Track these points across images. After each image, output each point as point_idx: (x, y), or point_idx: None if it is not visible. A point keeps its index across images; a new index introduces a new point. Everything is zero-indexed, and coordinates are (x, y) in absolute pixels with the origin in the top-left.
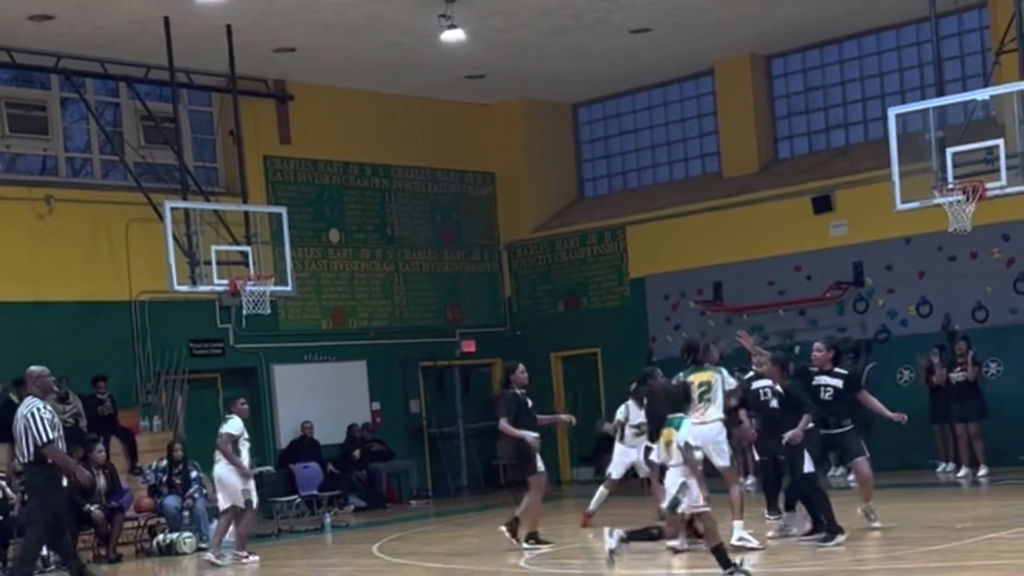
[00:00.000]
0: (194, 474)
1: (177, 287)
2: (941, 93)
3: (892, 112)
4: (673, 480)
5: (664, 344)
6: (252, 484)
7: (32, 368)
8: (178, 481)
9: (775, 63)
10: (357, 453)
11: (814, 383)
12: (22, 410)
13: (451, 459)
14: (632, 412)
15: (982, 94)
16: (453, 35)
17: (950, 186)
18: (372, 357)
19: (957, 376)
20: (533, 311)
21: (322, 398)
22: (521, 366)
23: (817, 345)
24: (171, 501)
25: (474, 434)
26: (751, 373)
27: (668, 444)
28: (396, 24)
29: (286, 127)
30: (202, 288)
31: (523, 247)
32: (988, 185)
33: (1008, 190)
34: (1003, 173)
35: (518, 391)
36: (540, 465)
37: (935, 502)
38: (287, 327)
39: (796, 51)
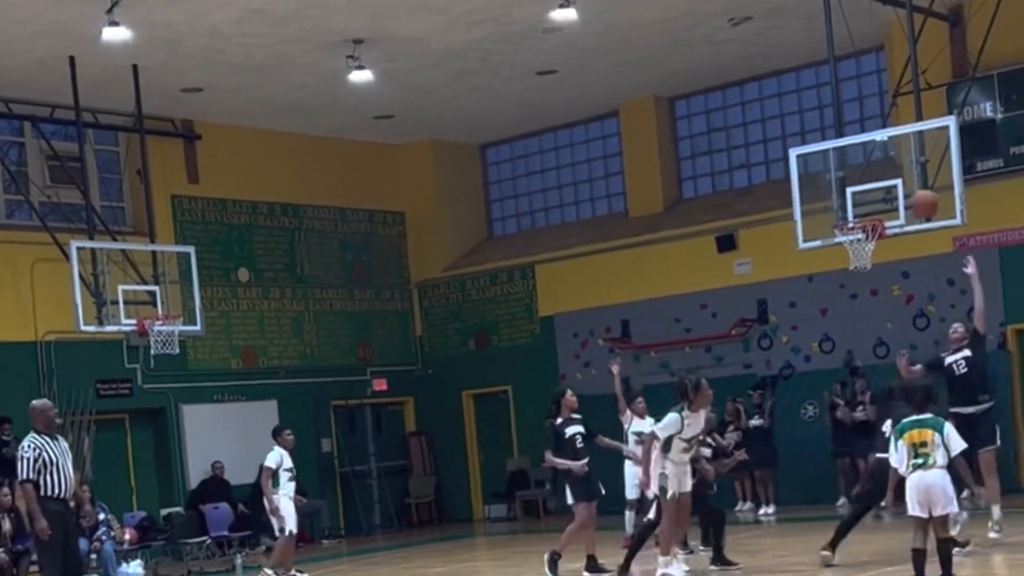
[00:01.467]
0: (101, 516)
1: (83, 327)
2: (841, 134)
3: (793, 153)
4: None
5: (574, 381)
6: (293, 513)
7: (33, 403)
8: (85, 524)
9: (678, 105)
10: None
11: None
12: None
13: (363, 498)
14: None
15: (880, 135)
16: (361, 76)
17: (850, 225)
18: (283, 396)
19: (859, 414)
20: (444, 349)
21: (232, 438)
22: (569, 391)
23: None
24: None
25: (386, 472)
26: None
27: None
28: (304, 65)
29: (194, 166)
30: (109, 328)
31: (433, 286)
32: (887, 224)
33: (906, 228)
34: (901, 212)
35: (560, 419)
36: (584, 494)
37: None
38: (196, 367)
39: (698, 93)
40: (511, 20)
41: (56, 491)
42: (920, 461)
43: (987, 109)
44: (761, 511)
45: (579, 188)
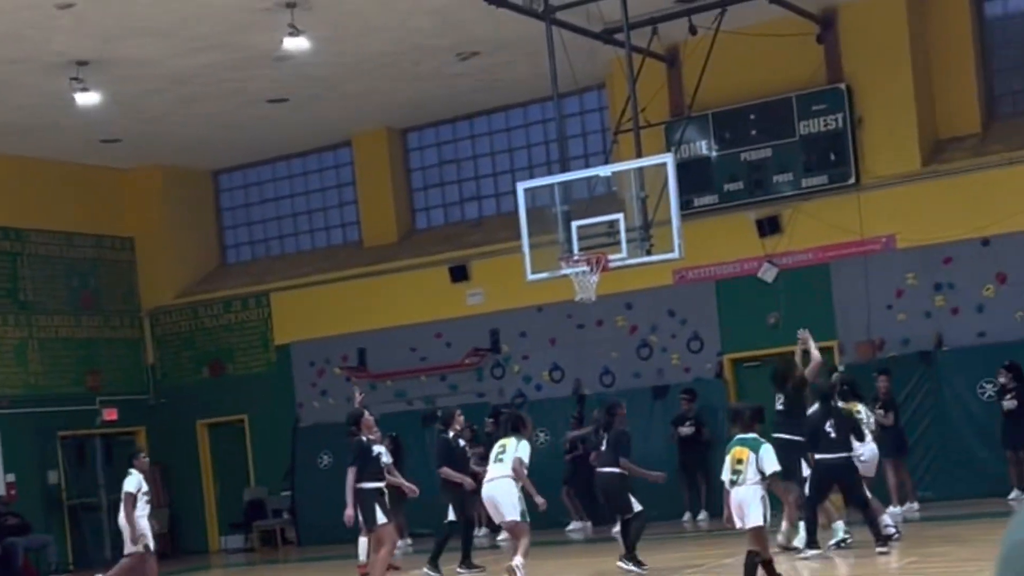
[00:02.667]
0: None
1: None
2: (565, 169)
3: (521, 186)
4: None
5: (311, 410)
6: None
7: None
8: None
9: (411, 136)
10: None
11: None
12: None
13: (94, 531)
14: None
15: (603, 171)
16: (87, 98)
17: (575, 258)
18: (5, 426)
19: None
20: (177, 378)
21: None
22: (367, 411)
23: None
24: None
25: (117, 505)
26: None
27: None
28: (28, 86)
29: None
30: None
31: (166, 313)
32: (610, 257)
33: (628, 261)
34: (624, 245)
35: (366, 438)
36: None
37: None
38: None
39: (430, 125)
40: (241, 47)
41: None
42: (735, 477)
43: (702, 147)
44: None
45: (314, 217)
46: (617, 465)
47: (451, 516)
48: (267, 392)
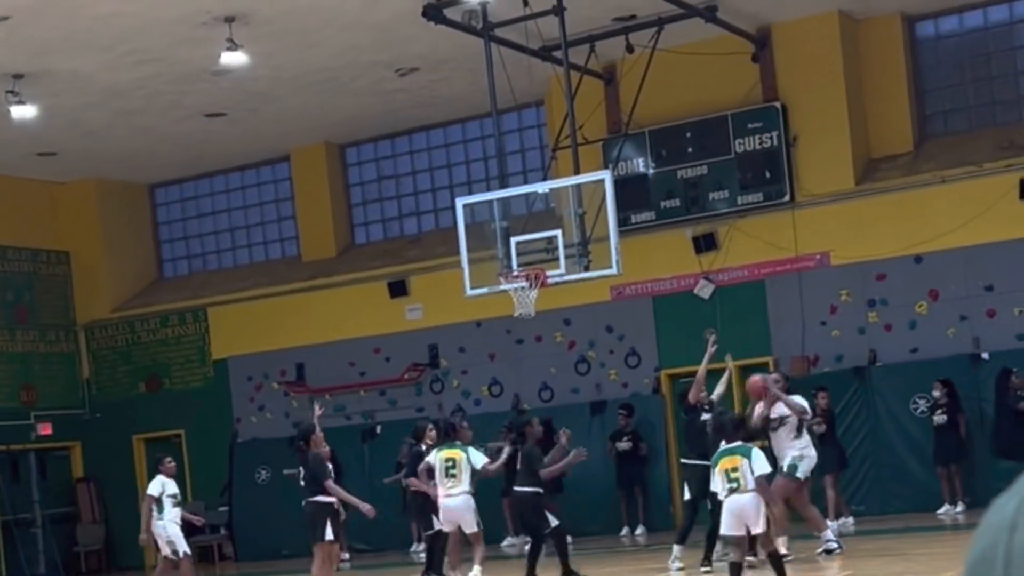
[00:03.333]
0: None
1: None
2: (504, 185)
3: (459, 202)
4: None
5: (249, 425)
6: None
7: None
8: None
9: (349, 152)
10: None
11: None
12: None
13: (28, 547)
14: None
15: (541, 187)
16: (23, 111)
17: (515, 273)
18: None
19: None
20: (113, 392)
21: None
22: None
23: None
24: None
25: (52, 520)
26: None
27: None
28: None
29: None
30: None
31: (101, 327)
32: (549, 273)
33: (567, 277)
34: (562, 261)
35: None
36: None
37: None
38: None
39: (369, 141)
40: (178, 61)
41: None
42: (733, 486)
43: (639, 164)
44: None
45: (251, 231)
46: (531, 484)
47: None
48: (204, 407)
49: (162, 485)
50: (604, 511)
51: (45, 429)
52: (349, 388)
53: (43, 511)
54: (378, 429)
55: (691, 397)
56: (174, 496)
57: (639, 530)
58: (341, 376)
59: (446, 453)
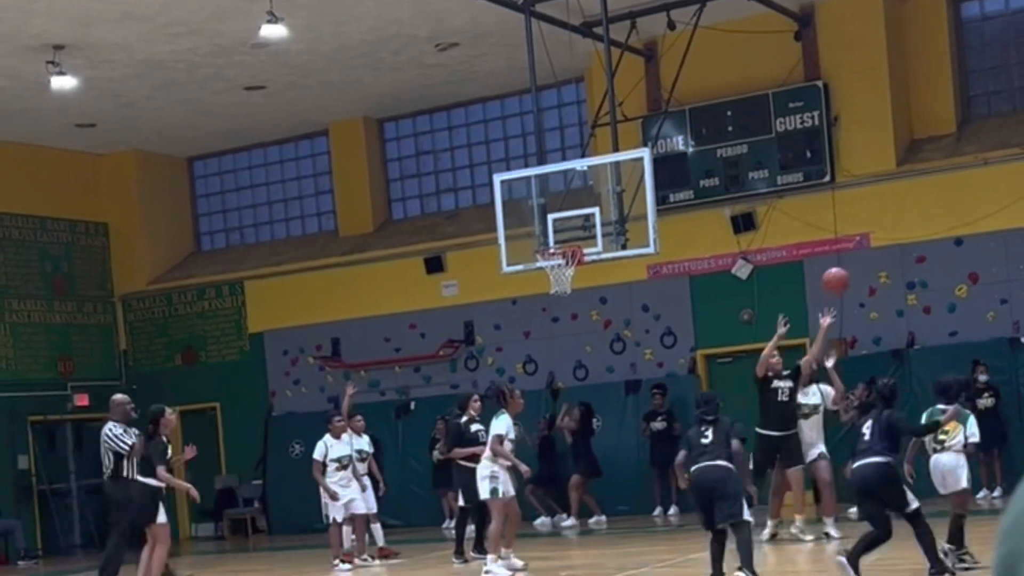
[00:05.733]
0: None
1: None
2: (542, 162)
3: (497, 178)
4: None
5: (284, 399)
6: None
7: (115, 396)
8: None
9: (387, 127)
10: None
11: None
12: (103, 430)
13: (63, 517)
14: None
15: (579, 164)
16: (63, 82)
17: (551, 251)
18: None
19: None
20: (150, 364)
21: None
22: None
23: None
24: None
25: (88, 490)
26: None
27: None
28: (3, 69)
29: None
30: None
31: (139, 299)
32: (585, 251)
33: (604, 255)
34: (599, 239)
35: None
36: None
37: (547, 551)
38: None
39: (407, 116)
40: (219, 34)
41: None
42: (937, 446)
43: (679, 142)
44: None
45: (289, 205)
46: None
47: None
48: (240, 380)
49: (325, 447)
50: (637, 491)
51: (82, 400)
52: (384, 364)
53: (78, 481)
54: (412, 405)
55: (759, 371)
56: (341, 458)
57: (672, 510)
58: (376, 351)
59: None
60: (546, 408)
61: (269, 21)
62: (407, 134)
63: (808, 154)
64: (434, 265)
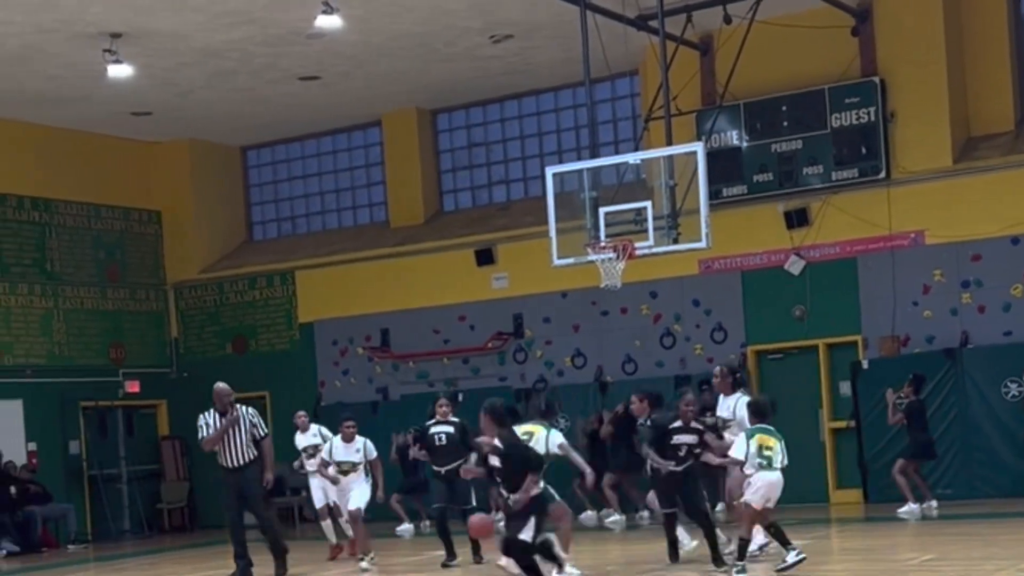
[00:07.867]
0: None
1: None
2: (595, 155)
3: (549, 171)
4: None
5: (333, 389)
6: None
7: (217, 385)
8: None
9: (440, 118)
10: (13, 490)
11: None
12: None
13: (113, 502)
14: None
15: (632, 158)
16: (119, 70)
17: (602, 244)
18: (29, 396)
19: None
20: (200, 352)
21: None
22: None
23: None
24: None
25: (138, 477)
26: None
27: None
28: (58, 56)
29: None
30: None
31: (190, 288)
32: (637, 244)
33: (655, 249)
34: (651, 233)
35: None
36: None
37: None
38: None
39: (460, 107)
40: (273, 23)
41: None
42: (763, 461)
43: (733, 137)
44: None
45: (341, 195)
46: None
47: None
48: (290, 369)
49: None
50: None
51: (133, 387)
52: (433, 355)
53: (128, 467)
54: (460, 397)
55: None
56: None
57: (719, 507)
58: (425, 343)
59: (527, 427)
60: (594, 403)
61: (324, 11)
62: (460, 125)
63: (863, 150)
64: (484, 257)
